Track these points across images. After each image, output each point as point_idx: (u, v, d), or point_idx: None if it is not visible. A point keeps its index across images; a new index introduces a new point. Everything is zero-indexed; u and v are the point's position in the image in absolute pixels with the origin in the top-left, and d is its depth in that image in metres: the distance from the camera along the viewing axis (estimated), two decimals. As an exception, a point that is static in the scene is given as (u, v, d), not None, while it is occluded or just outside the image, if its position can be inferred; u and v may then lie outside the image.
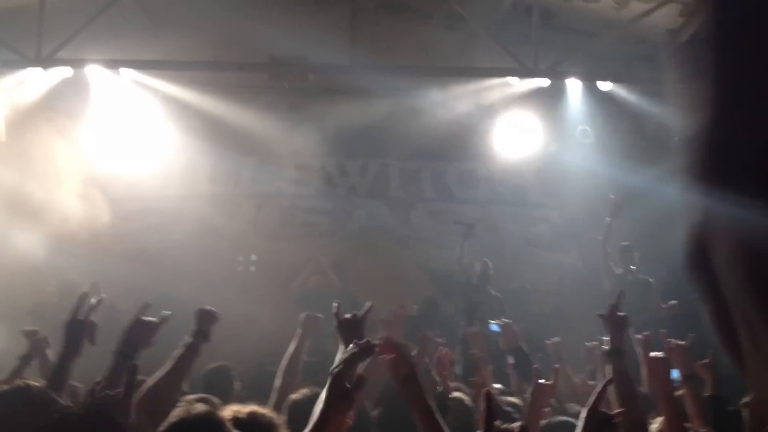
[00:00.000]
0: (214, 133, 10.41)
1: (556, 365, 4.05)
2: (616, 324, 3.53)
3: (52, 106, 9.87)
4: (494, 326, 6.32)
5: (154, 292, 9.84)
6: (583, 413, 2.21)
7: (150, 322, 3.29)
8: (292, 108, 10.62)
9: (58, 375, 3.41)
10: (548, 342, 6.28)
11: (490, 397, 1.92)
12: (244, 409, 2.62)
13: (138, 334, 3.23)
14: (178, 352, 3.27)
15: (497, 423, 1.92)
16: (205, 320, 3.43)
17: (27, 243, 9.40)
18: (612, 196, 8.81)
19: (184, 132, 10.26)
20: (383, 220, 11.20)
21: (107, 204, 10.31)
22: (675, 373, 5.32)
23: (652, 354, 3.65)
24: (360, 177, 11.33)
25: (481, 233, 11.16)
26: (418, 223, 11.23)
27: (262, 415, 2.62)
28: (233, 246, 10.86)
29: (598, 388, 2.26)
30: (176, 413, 2.18)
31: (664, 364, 3.60)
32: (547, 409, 3.72)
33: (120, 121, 10.11)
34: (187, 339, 3.33)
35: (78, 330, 3.43)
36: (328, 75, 10.25)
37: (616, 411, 2.52)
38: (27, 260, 9.53)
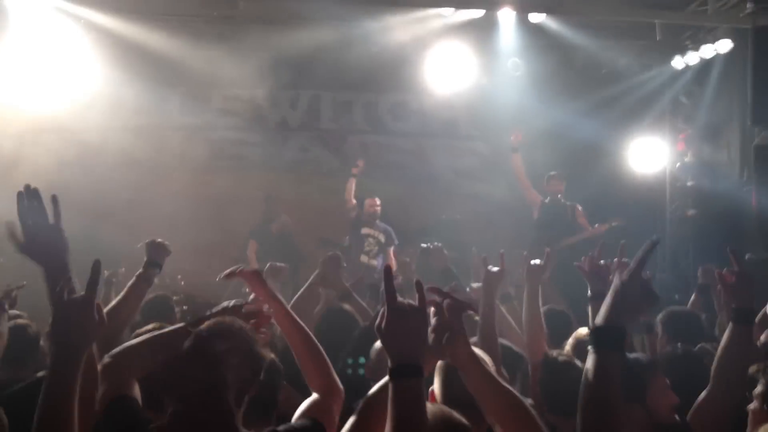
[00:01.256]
0: (140, 63, 10.07)
1: (501, 250, 4.00)
2: (598, 276, 3.70)
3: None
4: (423, 246, 6.36)
5: (76, 228, 9.66)
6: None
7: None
8: (221, 38, 10.31)
9: None
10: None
11: (388, 272, 1.91)
12: None
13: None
14: (131, 281, 3.45)
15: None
16: (157, 252, 3.60)
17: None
18: (515, 132, 9.08)
19: (107, 62, 9.86)
20: (315, 152, 11.13)
21: (26, 136, 9.96)
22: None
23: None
24: (291, 109, 11.19)
25: (412, 164, 11.27)
26: (350, 154, 11.20)
27: None
28: (159, 180, 10.65)
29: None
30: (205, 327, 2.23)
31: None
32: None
33: (40, 50, 9.66)
34: (140, 270, 3.49)
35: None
36: (259, 2, 9.98)
37: None
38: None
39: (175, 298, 6.12)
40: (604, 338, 1.94)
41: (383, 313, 1.88)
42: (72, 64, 9.77)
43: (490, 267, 3.74)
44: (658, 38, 10.58)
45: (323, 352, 2.65)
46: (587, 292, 4.01)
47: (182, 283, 8.85)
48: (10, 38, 9.44)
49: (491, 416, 2.10)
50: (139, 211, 9.94)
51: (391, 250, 9.39)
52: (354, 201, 9.74)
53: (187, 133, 10.97)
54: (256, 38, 10.32)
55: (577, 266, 3.83)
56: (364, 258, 9.35)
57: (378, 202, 9.60)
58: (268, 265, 5.09)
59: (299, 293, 4.75)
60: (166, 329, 2.57)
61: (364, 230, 9.52)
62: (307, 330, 2.68)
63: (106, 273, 5.64)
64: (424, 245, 5.95)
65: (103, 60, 9.83)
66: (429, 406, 2.03)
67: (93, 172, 10.29)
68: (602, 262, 3.85)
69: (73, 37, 9.63)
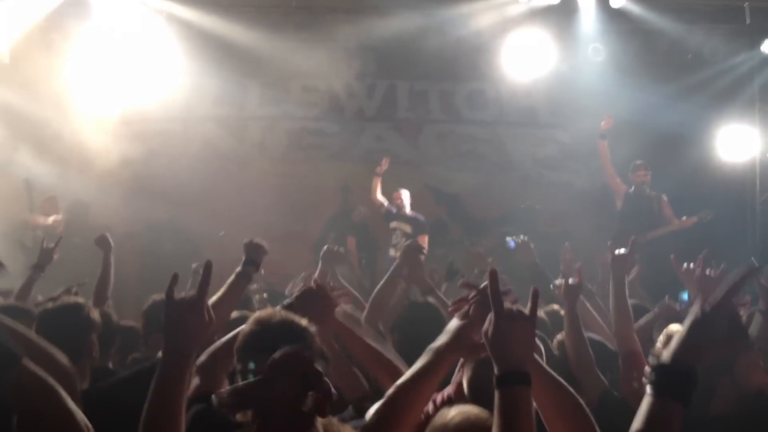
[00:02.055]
0: (220, 54, 10.26)
1: (578, 263, 3.98)
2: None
3: (55, 28, 9.73)
4: (511, 242, 6.29)
5: (161, 215, 9.94)
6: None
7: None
8: (299, 28, 10.40)
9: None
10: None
11: (494, 276, 1.86)
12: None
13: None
14: (230, 279, 3.52)
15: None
16: (254, 251, 3.70)
17: (33, 166, 9.41)
18: (606, 117, 8.82)
19: (188, 54, 10.10)
20: (391, 142, 11.12)
21: (112, 126, 10.27)
22: (685, 295, 5.35)
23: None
24: (367, 99, 11.21)
25: (489, 153, 11.15)
26: (426, 144, 11.16)
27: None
28: (240, 169, 10.85)
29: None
30: (255, 319, 2.30)
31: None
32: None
33: (124, 43, 9.95)
34: (239, 268, 3.58)
35: None
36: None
37: None
38: (34, 183, 9.56)
39: (254, 286, 6.23)
40: (668, 382, 1.61)
41: (490, 319, 1.83)
42: (155, 56, 10.03)
43: (570, 280, 3.76)
44: (747, 22, 10.16)
45: (393, 361, 2.66)
46: (671, 286, 3.91)
47: (261, 272, 9.00)
48: (94, 32, 9.75)
49: (544, 413, 2.02)
50: (220, 200, 10.15)
51: (425, 238, 9.30)
52: (381, 199, 9.73)
53: (266, 122, 11.12)
54: (332, 28, 10.38)
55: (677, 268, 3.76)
56: (392, 251, 9.33)
57: (403, 194, 9.58)
58: (325, 247, 5.15)
59: (380, 286, 4.71)
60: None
61: (393, 224, 9.53)
62: (374, 346, 2.71)
63: (193, 265, 5.77)
64: (509, 239, 5.85)
65: (184, 52, 10.06)
66: (462, 407, 2.02)
67: (176, 162, 10.55)
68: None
69: (155, 29, 9.89)
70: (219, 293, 3.46)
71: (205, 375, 2.37)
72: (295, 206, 10.53)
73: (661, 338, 3.84)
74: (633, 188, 8.94)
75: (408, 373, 2.10)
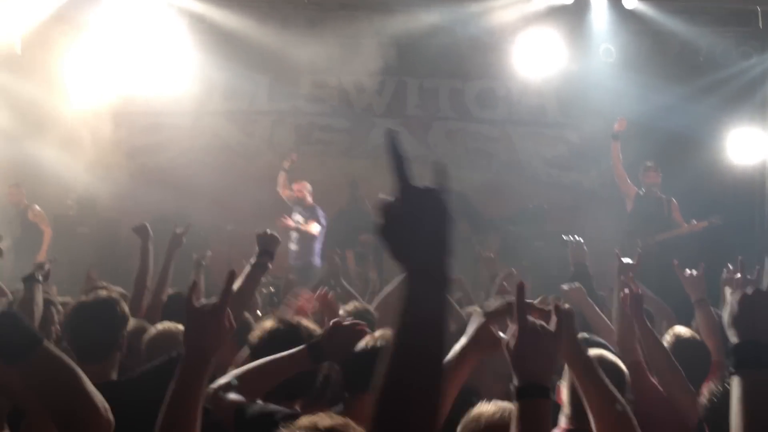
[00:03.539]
0: (230, 48, 10.26)
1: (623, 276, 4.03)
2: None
3: (67, 20, 9.74)
4: (564, 238, 6.16)
5: (169, 208, 9.96)
6: None
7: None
8: (309, 23, 10.40)
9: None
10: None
11: (521, 289, 1.87)
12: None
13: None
14: (246, 270, 3.55)
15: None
16: (266, 241, 3.70)
17: (43, 157, 9.44)
18: (620, 119, 8.75)
19: (198, 47, 10.10)
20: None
21: (121, 118, 10.29)
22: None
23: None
24: (377, 95, 11.20)
25: (498, 152, 11.13)
26: (435, 142, 11.15)
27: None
28: (248, 163, 10.86)
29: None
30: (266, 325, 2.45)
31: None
32: None
33: (134, 35, 9.96)
34: (253, 259, 3.61)
35: None
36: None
37: None
38: (44, 174, 9.59)
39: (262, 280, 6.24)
40: (754, 355, 1.69)
41: (514, 332, 1.85)
42: (165, 49, 10.04)
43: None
44: (760, 26, 10.12)
45: None
46: (679, 289, 3.91)
47: (270, 266, 9.01)
48: (105, 24, 9.76)
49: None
50: (228, 194, 10.16)
51: (314, 222, 9.44)
52: (287, 191, 9.75)
53: (275, 117, 11.13)
54: (343, 24, 10.37)
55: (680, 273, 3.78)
56: (291, 245, 9.42)
57: (306, 186, 9.62)
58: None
59: (388, 289, 4.69)
60: (286, 354, 2.59)
61: (295, 216, 9.56)
62: None
63: (194, 256, 5.76)
64: (565, 238, 5.75)
65: (195, 45, 10.07)
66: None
67: (185, 155, 10.57)
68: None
69: (166, 22, 9.89)
70: (236, 285, 3.48)
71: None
72: (303, 201, 10.53)
73: (669, 339, 3.84)
74: (643, 190, 8.90)
75: None
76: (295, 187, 9.66)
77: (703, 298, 4.27)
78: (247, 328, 3.45)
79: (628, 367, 3.52)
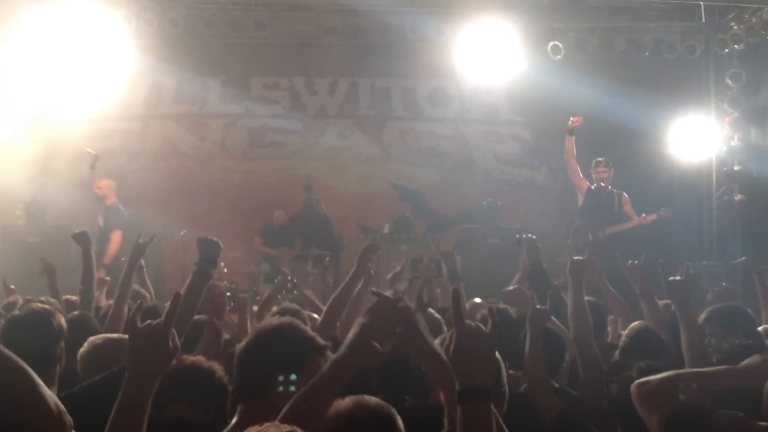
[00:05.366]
0: (178, 52, 10.15)
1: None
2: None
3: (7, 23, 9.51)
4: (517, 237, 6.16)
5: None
6: None
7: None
8: (259, 25, 10.33)
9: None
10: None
11: (457, 295, 1.89)
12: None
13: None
14: (188, 280, 3.34)
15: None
16: (207, 248, 3.44)
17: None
18: (572, 118, 8.83)
19: (148, 51, 9.94)
20: (353, 139, 11.11)
21: (70, 125, 10.10)
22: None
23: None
24: (329, 96, 11.17)
25: (451, 150, 11.18)
26: (389, 141, 11.17)
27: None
28: (201, 167, 10.75)
29: None
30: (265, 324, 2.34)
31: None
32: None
33: (80, 41, 9.75)
34: (194, 267, 3.38)
35: None
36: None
37: None
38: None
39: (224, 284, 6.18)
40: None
41: (452, 335, 1.86)
42: (112, 54, 9.85)
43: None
44: (703, 20, 10.35)
45: None
46: (627, 282, 3.96)
47: (225, 270, 8.94)
48: (49, 29, 9.52)
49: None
50: (181, 199, 10.05)
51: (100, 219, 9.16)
52: (100, 189, 9.27)
53: (227, 120, 11.03)
54: (293, 25, 10.34)
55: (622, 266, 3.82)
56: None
57: (111, 185, 9.24)
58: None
59: (340, 290, 4.52)
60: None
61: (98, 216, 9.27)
62: None
63: (122, 258, 5.65)
64: (518, 236, 5.75)
65: (143, 49, 9.90)
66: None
67: (136, 161, 10.42)
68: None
69: (112, 26, 9.70)
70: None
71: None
72: (257, 204, 10.47)
73: (627, 333, 3.86)
74: (594, 185, 9.01)
75: (307, 385, 2.04)
76: (101, 184, 9.22)
77: (648, 289, 4.22)
78: (200, 334, 3.37)
79: (587, 362, 3.55)
